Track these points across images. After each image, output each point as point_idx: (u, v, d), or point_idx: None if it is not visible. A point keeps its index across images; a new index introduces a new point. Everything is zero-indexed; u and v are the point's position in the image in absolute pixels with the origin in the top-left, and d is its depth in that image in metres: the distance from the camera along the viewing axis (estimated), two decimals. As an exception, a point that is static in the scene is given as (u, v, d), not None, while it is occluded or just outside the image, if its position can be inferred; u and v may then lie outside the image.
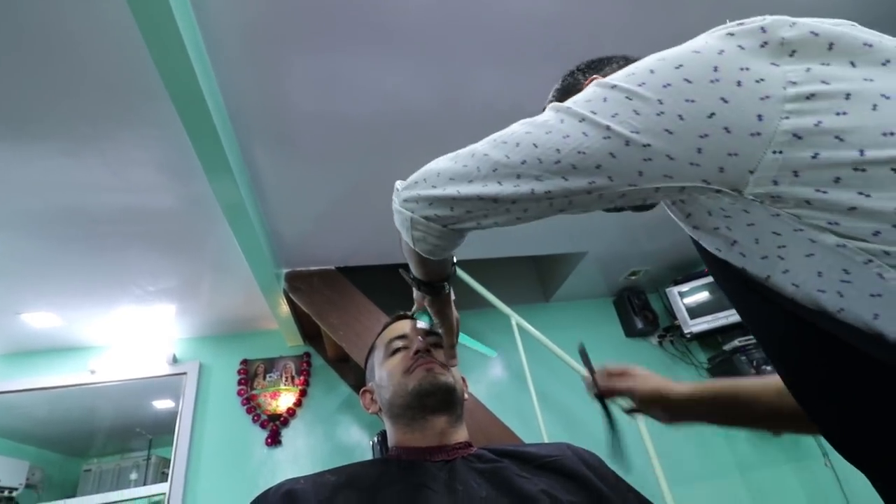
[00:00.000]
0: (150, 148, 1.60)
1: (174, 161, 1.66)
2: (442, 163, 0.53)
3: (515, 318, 2.54)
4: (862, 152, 0.33)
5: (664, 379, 0.71)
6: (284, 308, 2.55)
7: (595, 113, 0.42)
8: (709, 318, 2.99)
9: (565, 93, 0.74)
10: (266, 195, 2.00)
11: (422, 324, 0.79)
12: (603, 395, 0.72)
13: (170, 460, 2.50)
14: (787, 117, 0.35)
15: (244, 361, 2.81)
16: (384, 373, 0.74)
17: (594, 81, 0.45)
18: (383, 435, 0.81)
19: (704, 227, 0.44)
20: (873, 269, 0.33)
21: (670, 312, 3.25)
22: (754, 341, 2.86)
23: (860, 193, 0.33)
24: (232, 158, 1.52)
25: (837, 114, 0.35)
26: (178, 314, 2.64)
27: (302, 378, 2.80)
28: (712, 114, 0.37)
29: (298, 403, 2.73)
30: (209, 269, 2.34)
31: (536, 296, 3.41)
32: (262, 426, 2.62)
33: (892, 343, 0.32)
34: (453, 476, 0.61)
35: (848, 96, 0.35)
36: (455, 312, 0.72)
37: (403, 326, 0.80)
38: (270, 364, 2.82)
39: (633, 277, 3.27)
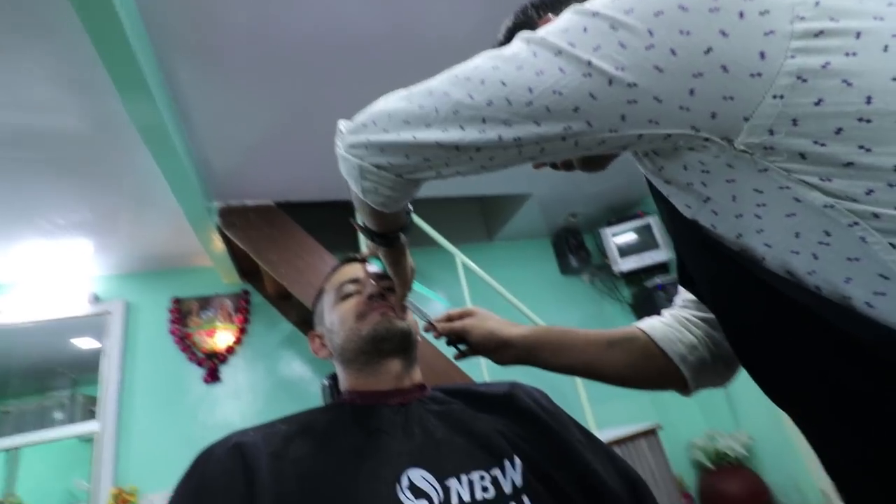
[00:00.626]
0: (50, 60, 1.36)
1: (80, 76, 1.43)
2: (394, 102, 0.47)
3: (461, 258, 2.59)
4: (869, 100, 0.30)
5: (501, 321, 0.71)
6: (219, 244, 2.41)
7: (573, 45, 0.37)
8: (636, 257, 3.22)
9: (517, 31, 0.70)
10: (192, 119, 1.81)
11: (374, 267, 0.76)
12: (443, 336, 0.73)
13: (96, 398, 2.40)
14: (792, 56, 0.31)
15: (176, 300, 2.67)
16: (335, 318, 0.71)
17: (572, 7, 0.38)
18: (334, 378, 0.80)
19: (677, 182, 0.40)
20: (857, 231, 0.31)
21: (602, 252, 3.46)
22: (673, 280, 3.14)
23: (861, 147, 0.31)
24: (149, 74, 1.33)
25: (847, 54, 0.31)
26: (97, 250, 2.42)
27: (240, 316, 2.72)
28: (709, 49, 0.33)
29: (238, 341, 2.68)
30: (129, 201, 2.13)
31: (480, 235, 3.47)
32: (200, 364, 2.56)
33: (859, 310, 0.32)
34: (409, 419, 0.61)
35: (858, 35, 0.31)
36: (410, 261, 0.70)
37: (355, 270, 0.77)
38: (205, 302, 2.70)
39: (573, 219, 3.40)
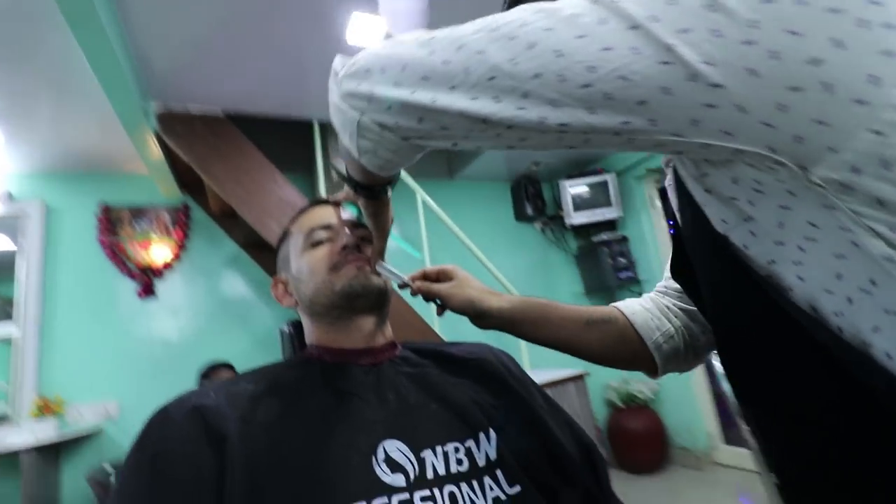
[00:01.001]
0: None
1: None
2: (411, 49, 0.38)
3: (421, 195, 2.53)
4: None
5: (481, 288, 0.66)
6: (156, 152, 2.18)
7: (656, 19, 0.29)
8: (588, 212, 3.32)
9: None
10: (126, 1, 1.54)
11: (349, 214, 0.70)
12: (418, 294, 0.68)
13: (13, 299, 2.22)
14: None
15: (105, 207, 2.44)
16: (304, 266, 0.65)
17: None
18: (297, 327, 0.76)
19: (718, 194, 0.35)
20: None
21: (557, 203, 3.53)
22: (618, 237, 3.28)
23: None
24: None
25: None
26: (9, 142, 2.11)
27: (179, 231, 2.55)
28: (816, 60, 0.27)
29: (176, 257, 2.53)
30: (47, 88, 1.84)
31: (441, 172, 3.39)
32: (133, 277, 2.41)
33: (878, 360, 0.30)
34: (382, 382, 0.59)
35: None
36: (391, 213, 0.66)
37: (327, 214, 0.69)
38: (139, 212, 2.49)
39: (535, 167, 3.40)
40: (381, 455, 0.50)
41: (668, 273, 0.65)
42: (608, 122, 0.32)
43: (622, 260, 3.25)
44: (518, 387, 0.66)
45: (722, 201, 0.36)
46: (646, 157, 3.15)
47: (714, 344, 0.62)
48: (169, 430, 0.49)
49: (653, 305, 0.64)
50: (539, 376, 2.31)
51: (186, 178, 2.44)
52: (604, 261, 3.25)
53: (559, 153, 3.23)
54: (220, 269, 2.67)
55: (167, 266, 2.49)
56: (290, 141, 2.63)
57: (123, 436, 2.24)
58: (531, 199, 3.49)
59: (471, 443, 0.55)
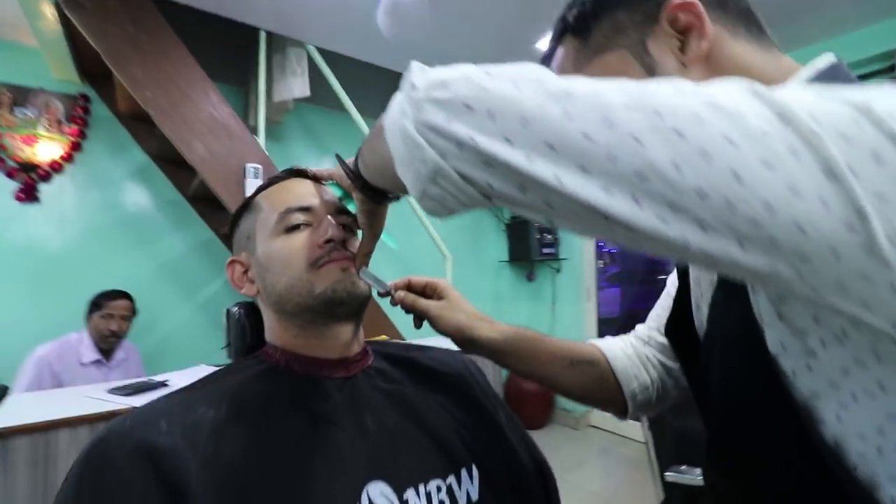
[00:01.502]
0: None
1: None
2: (536, 95, 0.29)
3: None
4: None
5: (471, 313, 0.63)
6: (52, 24, 1.75)
7: (855, 173, 0.25)
8: (528, 186, 3.38)
9: (585, 21, 0.47)
10: None
11: (331, 195, 0.60)
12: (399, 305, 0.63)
13: None
14: None
15: (-28, 78, 1.94)
16: (275, 253, 0.56)
17: (859, 98, 0.26)
18: (250, 311, 0.64)
19: (791, 323, 0.34)
20: None
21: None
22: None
23: None
24: None
25: None
26: None
27: (74, 127, 2.13)
28: None
29: (68, 157, 2.13)
30: None
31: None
32: (10, 175, 1.99)
33: (881, 502, 0.32)
34: (357, 400, 0.54)
35: None
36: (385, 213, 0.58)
37: (307, 193, 0.59)
38: (23, 95, 2.02)
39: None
40: (364, 501, 0.47)
41: (652, 324, 0.68)
42: (755, 263, 0.27)
43: (548, 237, 3.43)
44: (486, 403, 0.67)
45: (792, 331, 0.34)
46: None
47: (678, 400, 0.68)
48: (108, 479, 0.40)
49: (633, 352, 0.67)
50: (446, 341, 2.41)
51: (90, 66, 2.01)
52: (532, 235, 3.40)
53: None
54: (122, 180, 2.32)
55: (55, 167, 2.09)
56: (228, 48, 2.27)
57: (-9, 355, 1.95)
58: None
59: (451, 479, 0.54)
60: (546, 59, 0.51)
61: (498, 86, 0.30)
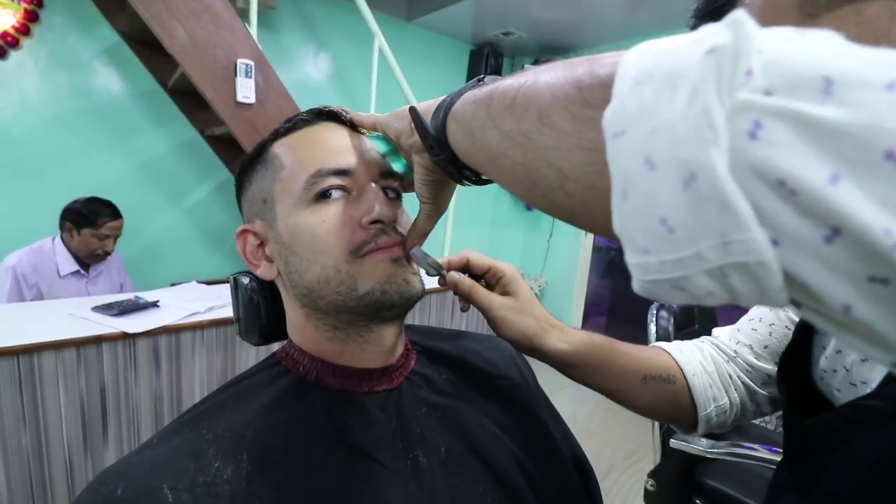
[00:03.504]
0: None
1: None
2: None
3: (380, 41, 2.07)
4: None
5: (543, 316, 0.53)
6: None
7: None
8: (542, 108, 3.14)
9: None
10: None
11: (375, 149, 0.44)
12: (452, 289, 0.51)
13: None
14: None
15: None
16: (303, 232, 0.42)
17: None
18: (265, 291, 0.50)
19: None
20: None
21: (514, 86, 3.25)
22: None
23: None
24: None
25: None
26: None
27: (29, -8, 1.78)
28: None
29: (24, 30, 1.81)
30: None
31: (399, 9, 2.80)
32: (-46, 46, 1.69)
33: None
34: (405, 426, 0.45)
35: None
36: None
37: (343, 148, 0.44)
38: (-44, -58, 1.65)
39: (504, 37, 2.98)
40: None
41: (743, 338, 0.59)
42: None
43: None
44: (536, 407, 0.60)
45: None
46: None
47: (755, 417, 0.62)
48: None
49: (714, 369, 0.60)
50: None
51: (39, -88, 1.63)
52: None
53: (534, 28, 2.85)
54: (90, 62, 2.02)
55: (10, 41, 1.78)
56: None
57: (-44, 252, 1.82)
58: (488, 73, 3.13)
59: None
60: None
61: None
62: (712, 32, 0.16)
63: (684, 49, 0.17)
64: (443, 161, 0.35)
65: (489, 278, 0.52)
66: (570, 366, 0.54)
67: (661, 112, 0.17)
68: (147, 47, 2.00)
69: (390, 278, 0.42)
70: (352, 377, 0.45)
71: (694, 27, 0.36)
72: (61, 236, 1.63)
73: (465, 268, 0.52)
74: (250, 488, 0.36)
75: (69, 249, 1.62)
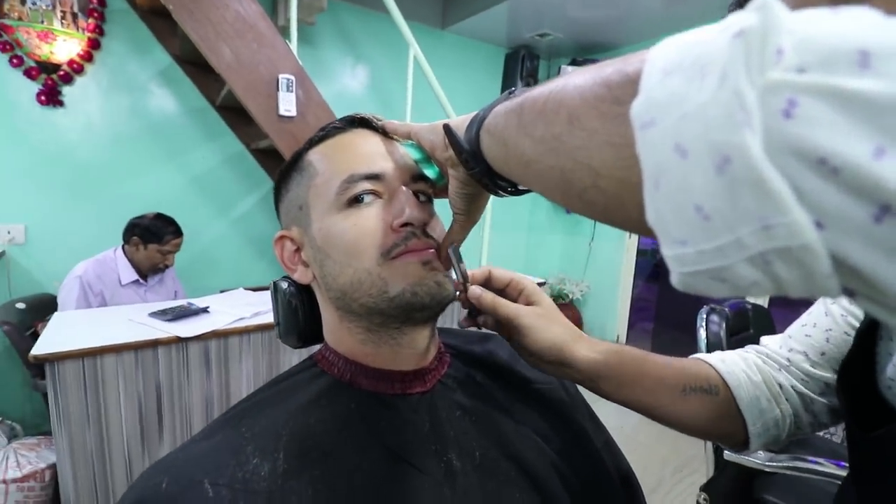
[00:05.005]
0: None
1: None
2: None
3: (415, 50, 2.10)
4: None
5: (569, 326, 0.50)
6: None
7: None
8: (580, 108, 3.08)
9: None
10: None
11: (408, 155, 0.45)
12: (470, 304, 0.49)
13: None
14: None
15: (-25, -43, 1.73)
16: (335, 236, 0.43)
17: None
18: (302, 294, 0.51)
19: None
20: None
21: (550, 88, 3.21)
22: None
23: None
24: None
25: None
26: None
27: (91, 21, 1.93)
28: None
29: (87, 57, 1.96)
30: None
31: (434, 18, 2.83)
32: (31, 76, 1.86)
33: None
34: (439, 429, 0.45)
35: None
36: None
37: (375, 154, 0.45)
38: (32, -18, 1.81)
39: (540, 38, 2.96)
40: None
41: (796, 345, 0.55)
42: None
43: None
44: (574, 410, 0.58)
45: None
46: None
47: (812, 429, 0.56)
48: None
49: (761, 379, 0.55)
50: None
51: (101, -52, 1.77)
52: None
53: (570, 28, 2.81)
54: (147, 84, 2.16)
55: (76, 68, 1.94)
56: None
57: (33, 263, 1.98)
58: (524, 77, 3.11)
59: None
60: None
61: None
62: (739, 18, 0.16)
63: (712, 37, 0.17)
64: (478, 174, 0.35)
65: (510, 291, 0.51)
66: (601, 378, 0.51)
67: (691, 98, 0.16)
68: (197, 67, 2.12)
69: (421, 280, 0.43)
70: (385, 379, 0.46)
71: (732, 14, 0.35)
72: (124, 248, 1.75)
73: (486, 282, 0.51)
74: (286, 485, 0.36)
75: (132, 261, 1.74)
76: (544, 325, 0.48)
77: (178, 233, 1.79)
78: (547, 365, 0.51)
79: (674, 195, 0.17)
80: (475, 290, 0.48)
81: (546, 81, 0.27)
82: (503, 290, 0.51)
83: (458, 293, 0.49)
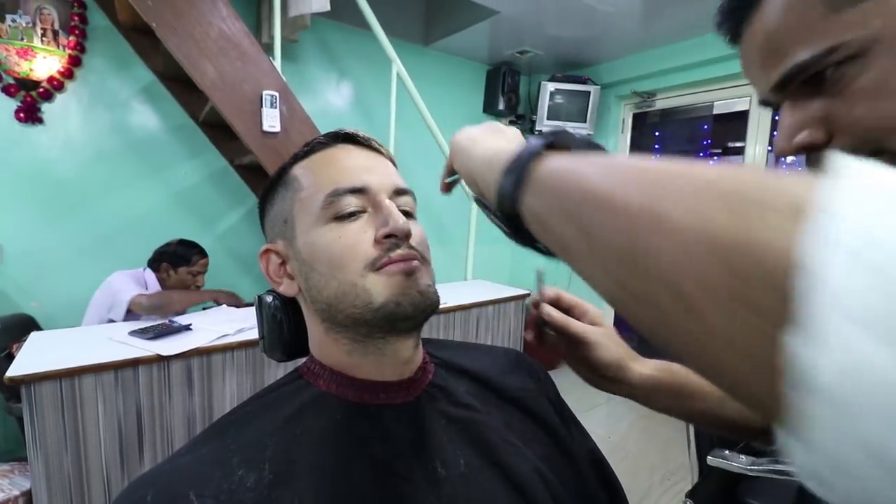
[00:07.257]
0: None
1: None
2: None
3: (398, 66, 2.14)
4: None
5: (623, 347, 0.53)
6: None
7: None
8: (560, 124, 3.14)
9: None
10: None
11: (389, 169, 0.48)
12: (541, 323, 0.54)
13: None
14: None
15: (-47, -25, 1.72)
16: (320, 249, 0.44)
17: None
18: (287, 307, 0.52)
19: None
20: None
21: (532, 104, 3.27)
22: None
23: None
24: None
25: None
26: None
27: (72, 39, 1.93)
28: None
29: (68, 74, 1.95)
30: None
31: (417, 35, 2.88)
32: (9, 93, 1.83)
33: None
34: (423, 438, 0.46)
35: None
36: None
37: (359, 168, 0.46)
38: (13, 0, 1.80)
39: (520, 55, 3.03)
40: None
41: None
42: None
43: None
44: (556, 417, 0.59)
45: None
46: (638, 76, 2.95)
47: None
48: None
49: None
50: (482, 292, 2.36)
51: (83, -33, 1.77)
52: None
53: (548, 45, 2.88)
54: (128, 101, 2.14)
55: (56, 85, 1.92)
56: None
57: (9, 283, 1.93)
58: (505, 93, 3.18)
59: None
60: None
61: None
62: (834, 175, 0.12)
63: None
64: (516, 238, 0.32)
65: (576, 314, 0.55)
66: (658, 391, 0.54)
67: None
68: (180, 84, 2.12)
69: (404, 290, 0.43)
70: (370, 390, 0.46)
71: (720, 25, 0.37)
72: (156, 276, 1.81)
73: (556, 303, 0.55)
74: (272, 496, 0.37)
75: (164, 287, 1.80)
76: (611, 343, 0.53)
77: (203, 253, 1.89)
78: (604, 380, 0.54)
79: (853, 493, 0.13)
80: (547, 310, 0.52)
81: (597, 157, 0.22)
82: (569, 312, 0.55)
83: (532, 309, 0.54)
